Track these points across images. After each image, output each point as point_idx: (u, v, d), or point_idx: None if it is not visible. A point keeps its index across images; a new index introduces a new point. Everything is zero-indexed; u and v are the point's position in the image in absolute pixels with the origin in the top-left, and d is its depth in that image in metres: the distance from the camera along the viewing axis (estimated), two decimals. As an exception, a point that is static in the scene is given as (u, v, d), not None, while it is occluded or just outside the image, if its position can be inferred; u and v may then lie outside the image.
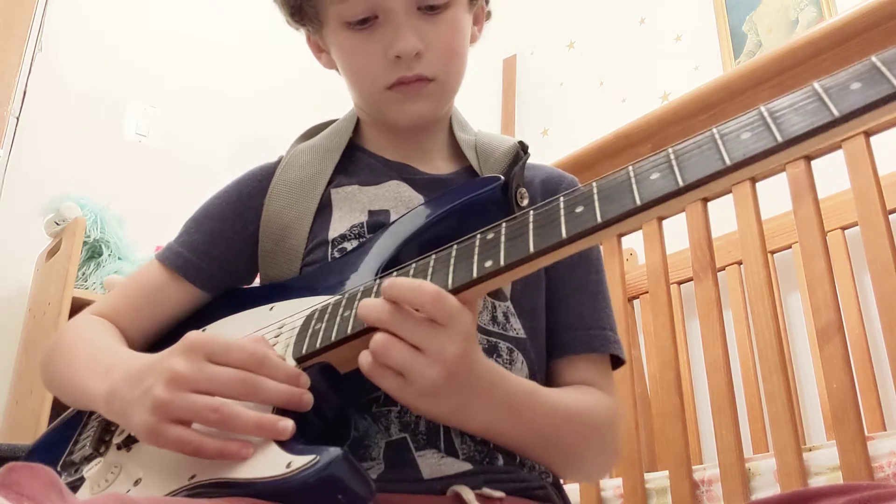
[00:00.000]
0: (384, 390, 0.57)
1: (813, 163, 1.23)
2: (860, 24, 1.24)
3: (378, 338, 0.55)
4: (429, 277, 0.58)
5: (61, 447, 0.74)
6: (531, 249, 0.53)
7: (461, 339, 0.56)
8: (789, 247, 1.82)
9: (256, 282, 0.84)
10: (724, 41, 2.37)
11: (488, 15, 0.86)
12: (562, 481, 0.75)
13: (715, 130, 0.50)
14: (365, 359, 0.56)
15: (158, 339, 0.80)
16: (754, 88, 1.38)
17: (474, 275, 0.55)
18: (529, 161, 0.79)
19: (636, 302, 2.07)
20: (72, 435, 0.75)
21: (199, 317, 0.79)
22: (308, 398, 0.57)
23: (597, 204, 0.52)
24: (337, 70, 0.86)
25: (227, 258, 0.80)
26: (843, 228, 1.72)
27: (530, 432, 0.67)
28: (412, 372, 0.55)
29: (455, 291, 0.56)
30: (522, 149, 0.78)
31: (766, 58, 1.37)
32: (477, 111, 2.88)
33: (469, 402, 0.60)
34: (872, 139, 1.18)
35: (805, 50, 1.30)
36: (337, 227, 0.77)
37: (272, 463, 0.53)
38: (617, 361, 0.78)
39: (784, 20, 2.25)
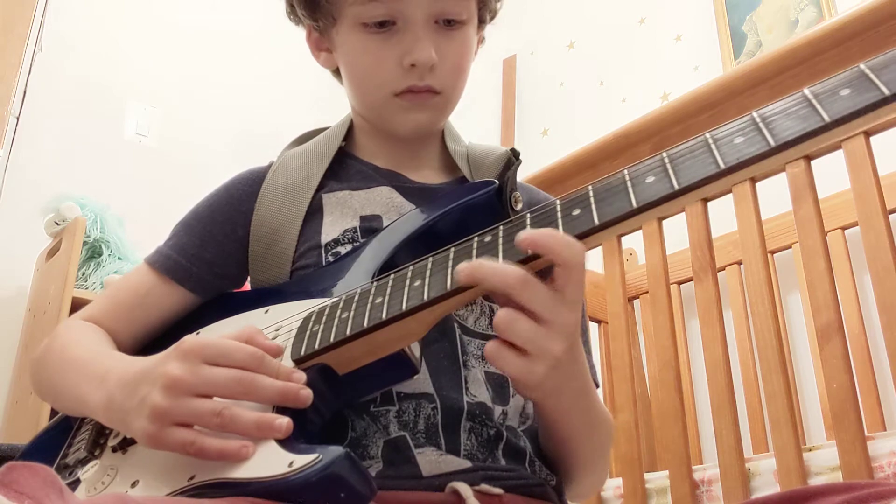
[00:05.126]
0: (510, 375, 0.56)
1: (813, 163, 1.23)
2: (860, 24, 1.24)
3: (503, 313, 0.53)
4: (427, 279, 0.58)
5: (54, 450, 0.74)
6: (529, 251, 0.54)
7: (578, 308, 0.55)
8: (789, 247, 1.82)
9: (246, 286, 0.83)
10: (724, 41, 2.37)
11: (482, 39, 0.87)
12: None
13: (708, 135, 0.52)
14: (490, 346, 0.55)
15: (149, 343, 0.79)
16: (754, 88, 1.37)
17: None
18: (517, 179, 0.80)
19: (636, 302, 2.07)
20: (64, 438, 0.74)
21: (192, 320, 0.79)
22: (306, 393, 0.57)
23: (593, 206, 0.53)
24: (334, 71, 0.86)
25: (217, 261, 0.80)
26: (843, 228, 1.72)
27: (579, 422, 0.67)
28: (538, 346, 0.53)
29: (455, 293, 0.56)
30: (514, 155, 0.78)
31: (766, 58, 1.37)
32: (477, 111, 2.89)
33: (566, 379, 0.59)
34: (872, 139, 1.18)
35: (805, 50, 1.30)
36: (329, 232, 0.77)
37: (274, 462, 0.53)
38: None
39: (784, 20, 2.25)
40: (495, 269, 0.53)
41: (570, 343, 0.55)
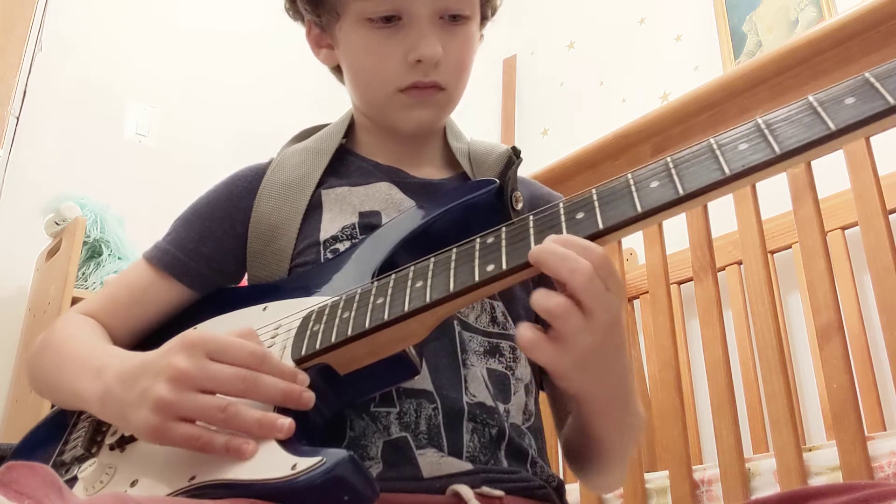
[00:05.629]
0: (538, 361, 0.55)
1: (813, 163, 1.23)
2: (860, 24, 1.24)
3: (563, 303, 0.52)
4: (429, 280, 0.58)
5: (49, 447, 0.73)
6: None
7: (620, 306, 0.55)
8: (789, 247, 1.82)
9: (244, 282, 0.83)
10: (724, 41, 2.37)
11: (481, 37, 0.87)
12: (565, 487, 0.75)
13: (712, 141, 0.51)
14: (526, 331, 0.54)
15: (146, 338, 0.79)
16: (754, 88, 1.37)
17: (476, 278, 0.55)
18: (518, 174, 0.79)
19: (636, 302, 2.07)
20: (60, 434, 0.74)
21: (188, 316, 0.78)
22: (308, 396, 0.57)
23: (597, 210, 0.53)
24: (334, 69, 0.85)
25: (215, 257, 0.80)
26: (843, 228, 1.72)
27: (614, 421, 0.66)
28: (574, 337, 0.53)
29: (457, 294, 0.55)
30: (515, 154, 0.78)
31: (766, 58, 1.37)
32: (477, 111, 2.89)
33: (600, 368, 0.58)
34: (872, 139, 1.18)
35: (805, 50, 1.30)
36: (328, 229, 0.77)
37: (277, 464, 0.53)
38: None
39: (784, 20, 2.25)
40: (565, 259, 0.52)
41: (604, 337, 0.54)
